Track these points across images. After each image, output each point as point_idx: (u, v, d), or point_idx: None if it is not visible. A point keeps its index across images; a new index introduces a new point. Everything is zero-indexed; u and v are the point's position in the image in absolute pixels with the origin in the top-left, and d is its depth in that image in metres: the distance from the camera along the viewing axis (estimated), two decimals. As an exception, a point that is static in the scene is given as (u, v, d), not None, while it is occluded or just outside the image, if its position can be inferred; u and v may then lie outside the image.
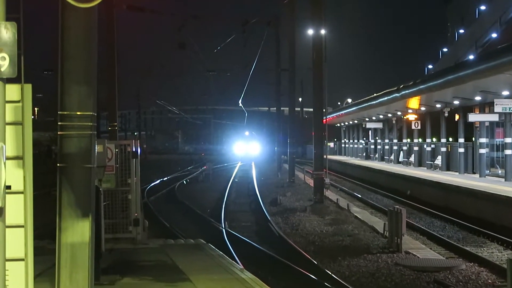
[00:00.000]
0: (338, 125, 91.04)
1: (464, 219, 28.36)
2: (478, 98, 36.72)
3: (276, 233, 25.52)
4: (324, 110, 38.86)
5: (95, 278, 9.87)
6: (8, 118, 7.11)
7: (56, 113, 9.19)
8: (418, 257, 20.28)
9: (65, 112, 9.08)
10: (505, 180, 34.34)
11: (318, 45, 35.52)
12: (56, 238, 9.18)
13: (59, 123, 9.13)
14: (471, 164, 41.67)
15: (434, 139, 52.01)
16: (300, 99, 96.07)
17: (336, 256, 20.58)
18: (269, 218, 29.46)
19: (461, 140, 41.96)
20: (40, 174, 21.34)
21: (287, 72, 55.28)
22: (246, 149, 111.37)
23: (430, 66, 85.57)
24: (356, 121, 75.53)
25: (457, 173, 41.71)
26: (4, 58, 6.44)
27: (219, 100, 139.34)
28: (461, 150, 42.07)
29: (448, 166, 44.93)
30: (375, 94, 55.91)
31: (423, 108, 47.40)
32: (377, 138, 69.19)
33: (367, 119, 67.70)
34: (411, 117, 50.84)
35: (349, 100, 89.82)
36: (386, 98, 50.30)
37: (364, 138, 76.00)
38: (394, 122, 60.57)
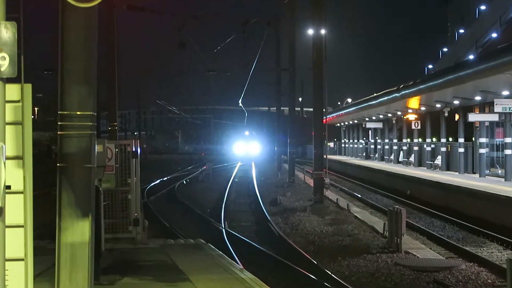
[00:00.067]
0: (338, 125, 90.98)
1: (464, 219, 28.35)
2: (478, 98, 36.72)
3: (276, 233, 25.50)
4: (324, 110, 38.85)
5: (95, 278, 9.88)
6: (8, 118, 7.11)
7: (56, 113, 9.19)
8: (418, 257, 20.27)
9: (65, 112, 9.09)
10: (505, 180, 34.34)
11: (318, 45, 35.52)
12: (56, 238, 9.18)
13: (59, 123, 9.13)
14: (471, 164, 41.65)
15: (434, 139, 51.98)
16: (300, 99, 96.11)
17: (336, 256, 20.58)
18: (269, 218, 29.44)
19: (461, 140, 41.95)
20: (40, 174, 21.32)
21: (287, 72, 55.26)
22: (246, 149, 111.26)
23: (430, 66, 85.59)
24: (356, 121, 75.51)
25: (457, 173, 41.71)
26: (4, 58, 6.44)
27: (219, 100, 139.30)
28: (461, 150, 42.06)
29: (448, 166, 44.92)
30: (375, 94, 55.89)
31: (423, 108, 47.40)
32: (377, 138, 69.16)
33: (367, 119, 67.68)
34: (411, 117, 50.83)
35: (349, 100, 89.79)
36: (386, 98, 50.30)
37: (364, 138, 75.98)
38: (394, 122, 60.55)
